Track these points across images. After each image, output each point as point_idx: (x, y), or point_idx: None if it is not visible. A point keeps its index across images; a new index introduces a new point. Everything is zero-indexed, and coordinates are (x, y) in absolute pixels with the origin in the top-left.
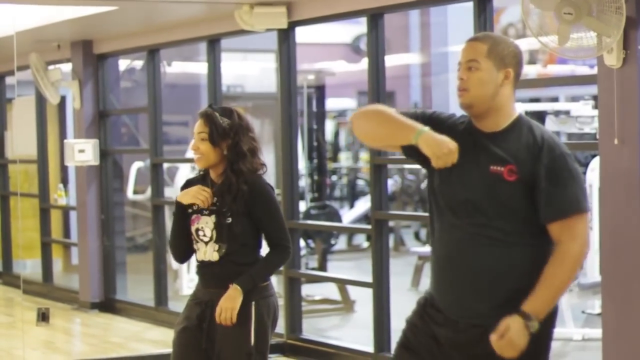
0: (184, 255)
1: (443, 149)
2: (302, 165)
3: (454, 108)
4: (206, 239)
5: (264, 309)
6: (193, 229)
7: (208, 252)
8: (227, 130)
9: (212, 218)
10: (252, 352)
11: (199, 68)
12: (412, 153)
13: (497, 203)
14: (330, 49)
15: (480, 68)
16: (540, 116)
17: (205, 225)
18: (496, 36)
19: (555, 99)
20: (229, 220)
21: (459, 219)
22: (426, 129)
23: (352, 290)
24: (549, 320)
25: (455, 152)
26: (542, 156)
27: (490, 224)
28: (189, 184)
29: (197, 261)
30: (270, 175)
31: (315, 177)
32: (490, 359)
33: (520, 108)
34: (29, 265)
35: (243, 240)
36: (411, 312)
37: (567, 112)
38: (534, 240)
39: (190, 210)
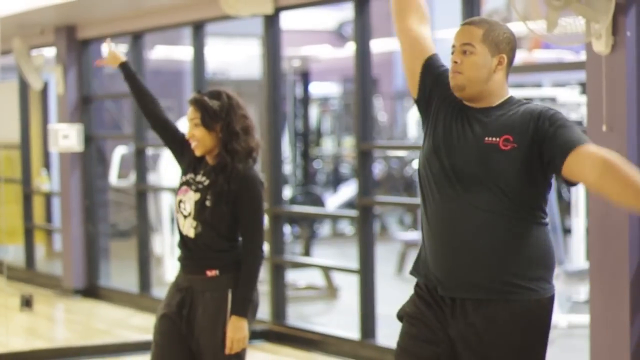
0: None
1: None
2: (287, 150)
3: None
4: (185, 213)
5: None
6: (177, 199)
7: (186, 226)
8: (218, 111)
9: (197, 195)
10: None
11: (183, 53)
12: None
13: (493, 173)
14: (314, 35)
15: (475, 52)
16: None
17: (188, 200)
18: (492, 21)
19: (539, 85)
20: (208, 202)
21: (453, 189)
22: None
23: (337, 277)
24: (544, 308)
25: None
26: (539, 121)
27: (485, 194)
28: (185, 139)
29: (180, 233)
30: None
31: (300, 163)
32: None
33: None
34: (11, 251)
35: (217, 227)
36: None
37: (552, 99)
38: (528, 213)
39: (181, 180)
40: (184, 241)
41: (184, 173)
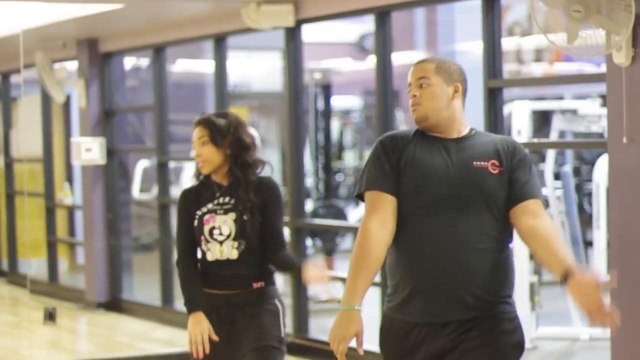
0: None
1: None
2: (308, 163)
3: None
4: (222, 238)
5: (284, 306)
6: (207, 228)
7: (225, 250)
8: (227, 127)
9: (231, 215)
10: (282, 341)
11: (205, 66)
12: None
13: (485, 194)
14: (336, 47)
15: (431, 83)
16: (546, 115)
17: (222, 224)
18: (439, 57)
19: (560, 97)
20: (246, 217)
21: (449, 216)
22: (355, 307)
23: None
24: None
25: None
26: (515, 153)
27: (479, 216)
28: (188, 194)
29: (207, 262)
30: (275, 175)
31: (321, 176)
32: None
33: (528, 107)
34: (34, 265)
35: (256, 239)
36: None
37: (574, 111)
38: (509, 235)
39: (200, 212)
40: (216, 266)
41: (200, 207)
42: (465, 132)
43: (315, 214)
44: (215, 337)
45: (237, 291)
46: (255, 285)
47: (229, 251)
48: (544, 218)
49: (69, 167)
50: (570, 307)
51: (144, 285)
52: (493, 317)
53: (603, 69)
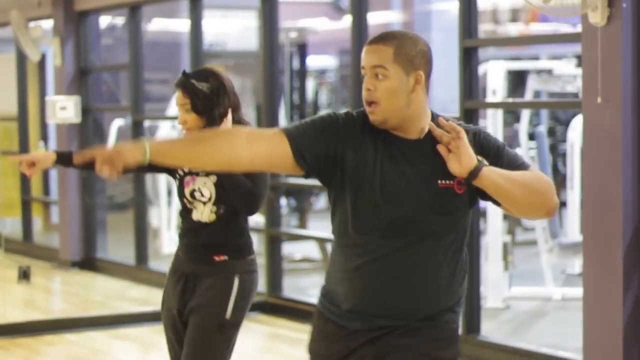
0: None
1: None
2: (283, 123)
3: (437, 69)
4: (204, 199)
5: (247, 283)
6: (187, 191)
7: (205, 212)
8: (209, 95)
9: (212, 178)
10: (225, 325)
11: (180, 25)
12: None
13: (448, 219)
14: (311, 7)
15: (389, 76)
16: (522, 75)
17: (202, 186)
18: (400, 34)
19: (536, 58)
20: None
21: (401, 240)
22: (145, 143)
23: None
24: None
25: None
26: (480, 144)
27: (439, 240)
28: None
29: (187, 224)
30: None
31: None
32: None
33: (503, 67)
34: (8, 224)
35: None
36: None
37: (549, 71)
38: (464, 248)
39: (181, 173)
40: (194, 229)
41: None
42: (427, 128)
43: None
44: None
45: (202, 261)
46: (217, 258)
47: (208, 215)
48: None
49: (43, 126)
50: (544, 267)
51: (118, 245)
52: (431, 325)
53: (579, 29)
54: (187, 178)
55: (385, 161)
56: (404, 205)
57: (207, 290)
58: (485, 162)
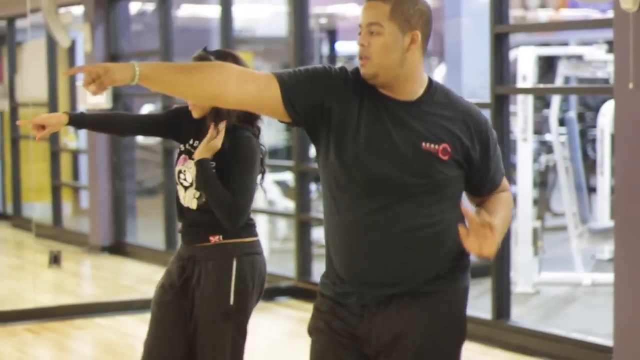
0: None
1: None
2: None
3: (467, 55)
4: (186, 184)
5: (247, 266)
6: (176, 169)
7: (187, 197)
8: None
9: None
10: (231, 312)
11: (209, 11)
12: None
13: (430, 182)
14: None
15: (383, 32)
16: (550, 61)
17: (188, 170)
18: None
19: (565, 44)
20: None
21: (381, 199)
22: (136, 67)
23: None
24: (464, 300)
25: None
26: (471, 130)
27: (420, 203)
28: (177, 112)
29: (179, 204)
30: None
31: None
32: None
33: (533, 52)
34: (38, 209)
35: None
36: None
37: (579, 57)
38: (454, 211)
39: (181, 149)
40: (183, 214)
41: (183, 141)
42: (421, 92)
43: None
44: None
45: (198, 245)
46: (213, 239)
47: (190, 200)
48: (504, 193)
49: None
50: (574, 252)
51: (147, 229)
52: (425, 293)
53: (609, 15)
54: (182, 156)
55: (370, 119)
56: (385, 164)
57: (206, 278)
58: (499, 241)
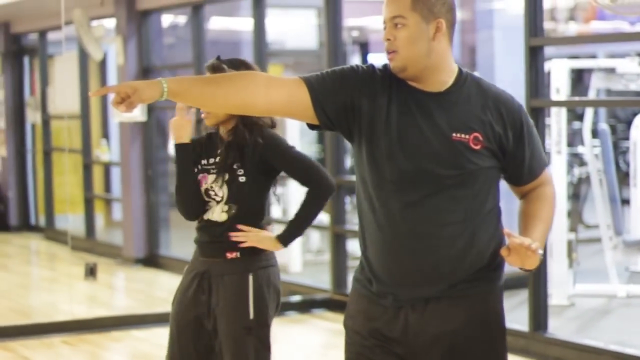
0: (193, 210)
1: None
2: None
3: (500, 68)
4: (218, 198)
5: (263, 280)
6: (202, 189)
7: (217, 211)
8: None
9: (225, 175)
10: (252, 326)
11: (240, 24)
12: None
13: (461, 173)
14: (374, 5)
15: (407, 24)
16: (580, 73)
17: (214, 184)
18: None
19: (593, 56)
20: (242, 179)
21: (414, 194)
22: (163, 82)
23: None
24: (500, 297)
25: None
26: (503, 117)
27: (453, 196)
28: (192, 145)
29: (202, 220)
30: (314, 134)
31: None
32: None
33: (566, 65)
34: (70, 221)
35: (252, 201)
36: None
37: (612, 69)
38: (494, 203)
39: (198, 168)
40: (206, 227)
41: (201, 159)
42: (450, 81)
43: (354, 170)
44: None
45: (214, 260)
46: (230, 255)
47: (219, 214)
48: (546, 184)
49: (105, 124)
50: (608, 265)
51: (180, 241)
52: (461, 296)
53: (638, 27)
54: (200, 176)
55: (399, 113)
56: (416, 157)
57: (224, 293)
58: (541, 251)
